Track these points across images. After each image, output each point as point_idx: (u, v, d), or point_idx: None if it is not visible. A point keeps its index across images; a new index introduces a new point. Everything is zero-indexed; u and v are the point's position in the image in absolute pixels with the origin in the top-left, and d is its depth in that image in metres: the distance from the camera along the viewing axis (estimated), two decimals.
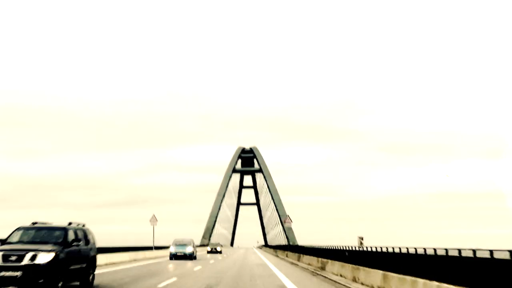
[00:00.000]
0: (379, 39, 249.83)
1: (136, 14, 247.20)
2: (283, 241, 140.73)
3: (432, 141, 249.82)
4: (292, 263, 43.13)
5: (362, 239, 48.54)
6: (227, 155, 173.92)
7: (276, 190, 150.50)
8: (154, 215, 54.43)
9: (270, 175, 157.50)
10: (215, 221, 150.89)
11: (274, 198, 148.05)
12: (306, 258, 39.78)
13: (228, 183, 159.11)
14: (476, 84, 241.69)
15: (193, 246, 45.70)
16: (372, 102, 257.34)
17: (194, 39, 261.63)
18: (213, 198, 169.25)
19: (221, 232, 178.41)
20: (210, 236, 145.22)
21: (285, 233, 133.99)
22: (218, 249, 75.36)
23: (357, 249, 37.96)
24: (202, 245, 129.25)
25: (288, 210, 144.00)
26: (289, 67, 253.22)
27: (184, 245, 44.55)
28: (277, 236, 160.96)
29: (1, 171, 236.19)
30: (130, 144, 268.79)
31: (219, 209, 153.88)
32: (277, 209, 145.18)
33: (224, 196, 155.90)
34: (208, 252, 73.81)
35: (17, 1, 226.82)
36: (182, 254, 44.06)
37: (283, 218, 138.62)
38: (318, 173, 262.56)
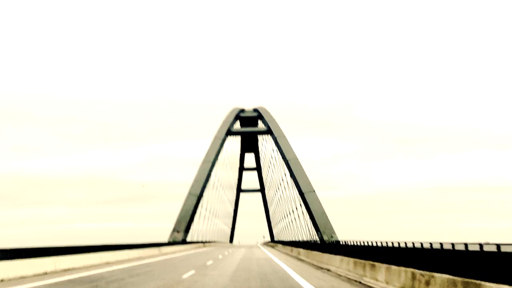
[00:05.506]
0: (385, 35, 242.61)
1: (140, 16, 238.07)
2: (301, 236, 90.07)
3: (439, 134, 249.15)
4: None
5: None
6: (235, 148, 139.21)
7: (294, 154, 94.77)
8: None
9: (283, 135, 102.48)
10: (196, 204, 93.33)
11: (291, 167, 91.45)
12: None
13: (219, 150, 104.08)
14: (481, 76, 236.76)
15: None
16: (378, 97, 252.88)
17: (199, 38, 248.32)
18: (219, 192, 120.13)
19: (215, 223, 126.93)
20: (187, 228, 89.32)
21: (314, 223, 79.92)
22: None
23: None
24: (173, 243, 77.15)
25: (295, 207, 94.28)
26: (292, 62, 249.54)
27: None
28: (287, 228, 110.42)
29: (3, 169, 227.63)
30: (133, 140, 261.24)
31: (205, 185, 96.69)
32: (297, 184, 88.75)
33: (212, 166, 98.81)
34: None
35: (24, 4, 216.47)
36: None
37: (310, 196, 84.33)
38: (324, 168, 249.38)
